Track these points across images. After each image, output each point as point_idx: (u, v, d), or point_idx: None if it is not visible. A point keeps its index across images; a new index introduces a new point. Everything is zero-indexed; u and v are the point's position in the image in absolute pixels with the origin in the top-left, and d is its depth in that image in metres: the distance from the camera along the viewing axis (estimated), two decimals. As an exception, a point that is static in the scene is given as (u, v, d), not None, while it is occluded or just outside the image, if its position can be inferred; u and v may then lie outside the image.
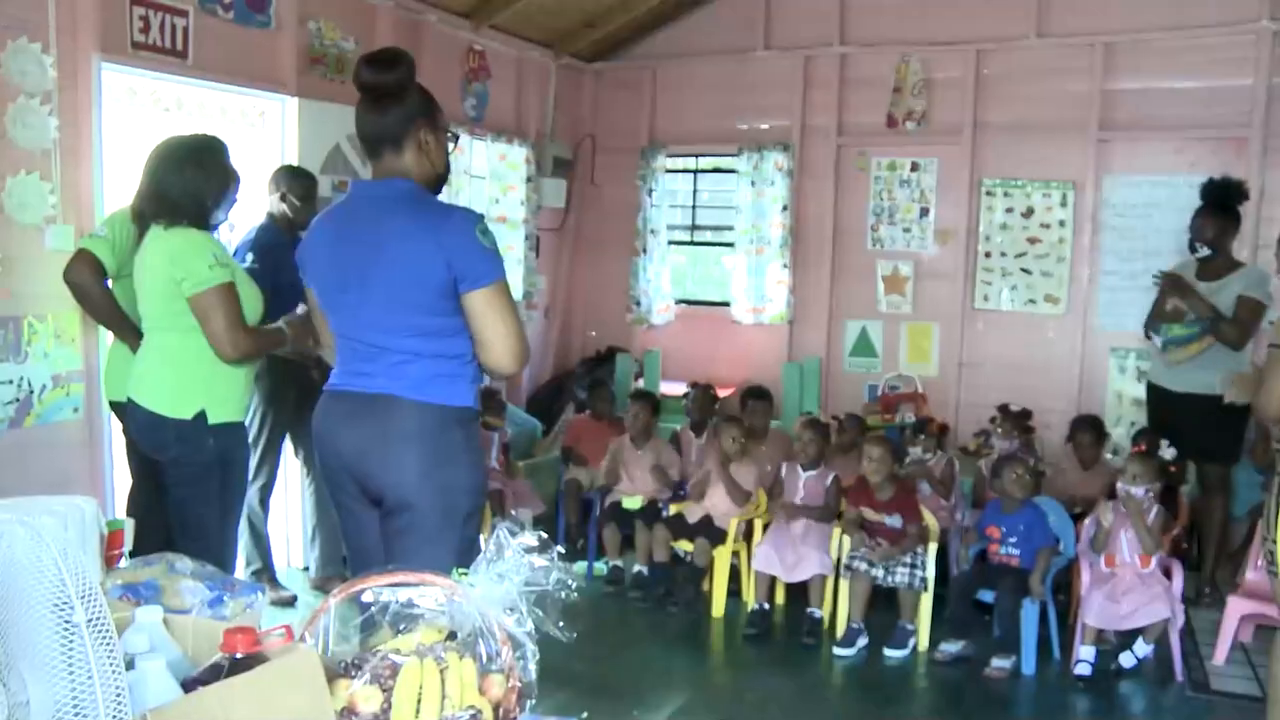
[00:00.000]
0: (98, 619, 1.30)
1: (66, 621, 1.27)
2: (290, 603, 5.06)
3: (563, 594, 1.72)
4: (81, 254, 3.88)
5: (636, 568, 5.63)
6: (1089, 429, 5.70)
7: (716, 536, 5.38)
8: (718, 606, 5.35)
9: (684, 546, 5.49)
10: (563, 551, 1.77)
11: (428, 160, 2.79)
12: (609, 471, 5.97)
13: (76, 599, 1.27)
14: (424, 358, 2.70)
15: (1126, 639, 4.69)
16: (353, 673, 1.66)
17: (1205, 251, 5.30)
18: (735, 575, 5.46)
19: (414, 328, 2.68)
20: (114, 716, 1.29)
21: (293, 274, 4.69)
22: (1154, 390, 5.62)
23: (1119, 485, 4.77)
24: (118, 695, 1.30)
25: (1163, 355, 5.40)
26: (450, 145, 2.88)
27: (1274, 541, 3.55)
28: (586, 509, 6.18)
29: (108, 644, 1.30)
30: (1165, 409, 5.51)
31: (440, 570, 1.76)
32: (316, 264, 2.86)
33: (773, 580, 5.23)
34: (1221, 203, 5.33)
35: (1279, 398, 3.42)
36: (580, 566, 5.87)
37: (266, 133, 5.59)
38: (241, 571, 4.83)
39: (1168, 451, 5.01)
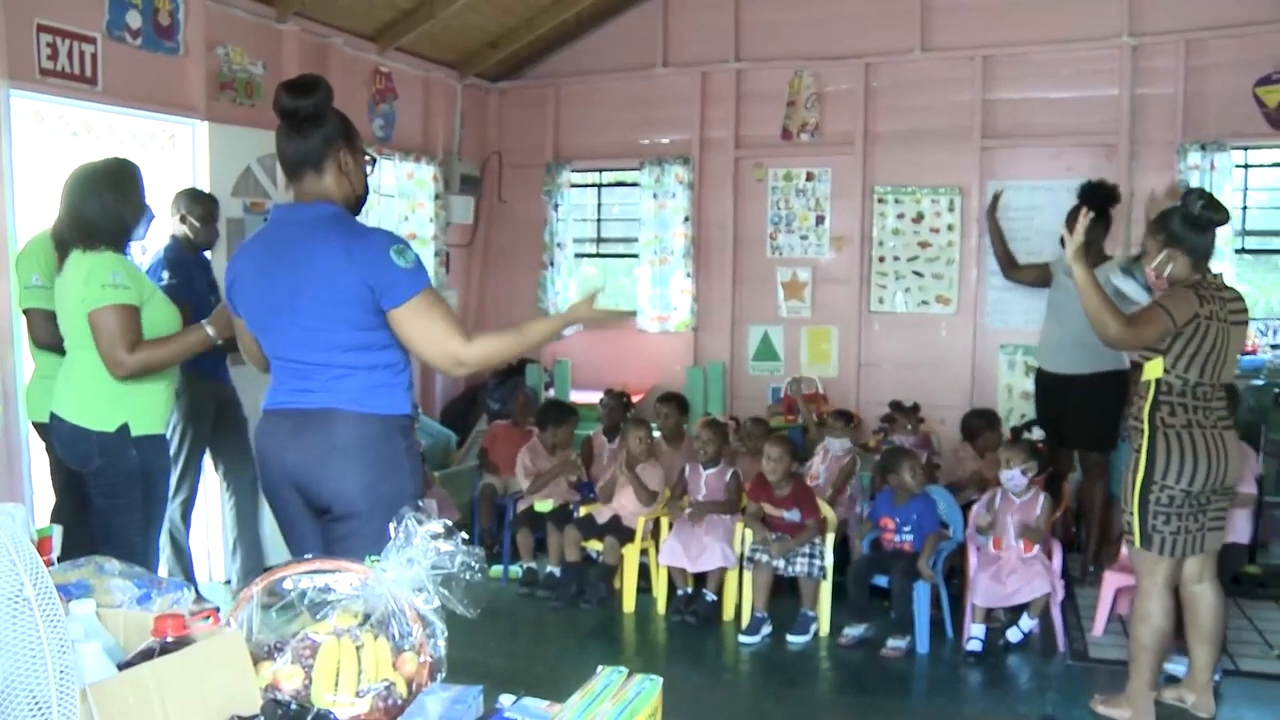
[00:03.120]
0: (45, 596, 1.38)
1: (16, 597, 1.36)
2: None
3: (467, 575, 1.86)
4: (32, 315, 4.02)
5: (549, 569, 5.77)
6: (984, 419, 6.05)
7: (625, 535, 5.58)
8: (628, 602, 5.55)
9: (594, 546, 5.67)
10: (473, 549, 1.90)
11: (348, 182, 2.87)
12: (536, 481, 6.07)
13: (25, 576, 1.36)
14: (360, 370, 2.77)
15: (1014, 616, 5.00)
16: (275, 655, 1.79)
17: None
18: (645, 572, 5.65)
19: (346, 343, 2.76)
20: (62, 689, 1.38)
21: (203, 287, 4.97)
22: (1039, 375, 5.94)
23: (1000, 473, 5.08)
24: (65, 670, 1.39)
25: None
26: (368, 167, 2.97)
27: (1130, 513, 3.87)
28: (501, 514, 6.33)
29: (55, 620, 1.39)
30: (1049, 393, 5.82)
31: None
32: (244, 290, 2.89)
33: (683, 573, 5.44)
34: (1092, 202, 5.62)
35: (1120, 328, 3.78)
36: (496, 570, 6.02)
37: (177, 156, 5.61)
38: (164, 583, 4.90)
39: (1035, 433, 5.30)
